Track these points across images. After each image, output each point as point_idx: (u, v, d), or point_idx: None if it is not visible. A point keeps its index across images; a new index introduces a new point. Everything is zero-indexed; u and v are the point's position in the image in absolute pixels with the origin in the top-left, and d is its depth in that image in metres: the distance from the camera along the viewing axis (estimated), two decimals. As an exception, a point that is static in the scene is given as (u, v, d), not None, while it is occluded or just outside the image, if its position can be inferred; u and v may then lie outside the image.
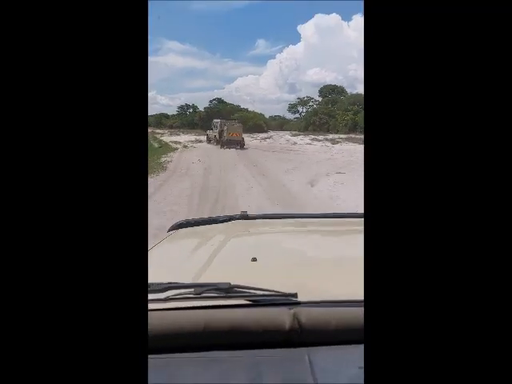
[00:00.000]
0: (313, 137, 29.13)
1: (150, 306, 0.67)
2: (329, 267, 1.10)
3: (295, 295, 0.75)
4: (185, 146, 22.87)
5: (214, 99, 53.37)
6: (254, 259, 1.05)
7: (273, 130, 45.71)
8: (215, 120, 24.20)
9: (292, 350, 0.63)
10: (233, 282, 0.77)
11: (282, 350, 0.64)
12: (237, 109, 48.74)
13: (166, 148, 21.61)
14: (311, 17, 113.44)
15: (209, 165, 13.56)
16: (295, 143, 24.70)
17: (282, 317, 0.66)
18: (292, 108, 54.66)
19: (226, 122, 21.87)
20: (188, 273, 0.99)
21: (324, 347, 0.64)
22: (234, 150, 20.67)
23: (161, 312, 0.70)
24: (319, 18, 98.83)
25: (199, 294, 0.76)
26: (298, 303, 0.73)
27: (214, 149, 20.83)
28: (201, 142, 26.24)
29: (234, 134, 20.22)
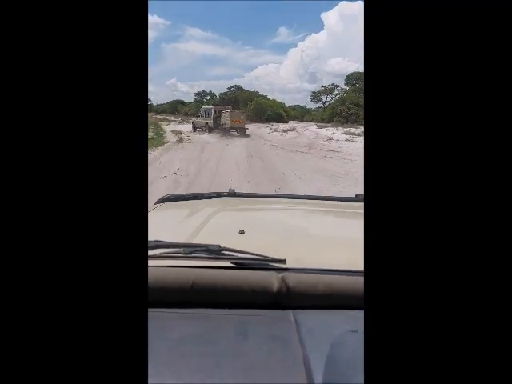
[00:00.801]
0: (345, 129, 21.95)
1: None
2: (317, 239, 1.11)
3: (284, 261, 0.74)
4: (180, 139, 17.10)
5: (232, 86, 47.32)
6: (242, 231, 1.03)
7: (293, 120, 39.43)
8: (205, 107, 22.47)
9: (279, 311, 0.63)
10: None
11: (269, 311, 0.64)
12: (255, 95, 42.31)
13: (157, 141, 15.68)
14: (336, 4, 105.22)
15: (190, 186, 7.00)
16: (330, 138, 17.77)
17: (270, 279, 0.66)
18: (315, 97, 48.01)
19: (220, 109, 20.25)
20: (175, 240, 0.90)
21: (310, 311, 0.64)
22: (239, 143, 15.23)
23: (149, 268, 0.63)
24: (344, 5, 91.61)
25: (188, 253, 0.74)
26: (287, 269, 0.72)
27: (212, 143, 15.55)
28: (203, 133, 20.66)
29: (238, 121, 18.67)
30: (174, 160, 10.19)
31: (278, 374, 0.51)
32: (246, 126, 19.16)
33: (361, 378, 0.46)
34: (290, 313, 0.63)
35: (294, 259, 0.78)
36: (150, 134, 19.44)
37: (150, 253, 0.72)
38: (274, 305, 0.65)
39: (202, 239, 0.95)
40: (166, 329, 0.59)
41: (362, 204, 0.53)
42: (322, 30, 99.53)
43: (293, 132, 22.57)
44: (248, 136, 18.41)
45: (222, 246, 0.76)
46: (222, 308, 0.64)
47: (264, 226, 1.31)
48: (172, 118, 42.20)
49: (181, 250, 0.76)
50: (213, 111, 20.08)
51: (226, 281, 0.66)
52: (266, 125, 30.39)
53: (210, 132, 19.19)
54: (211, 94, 59.13)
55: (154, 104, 63.34)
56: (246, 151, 12.81)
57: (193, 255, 0.75)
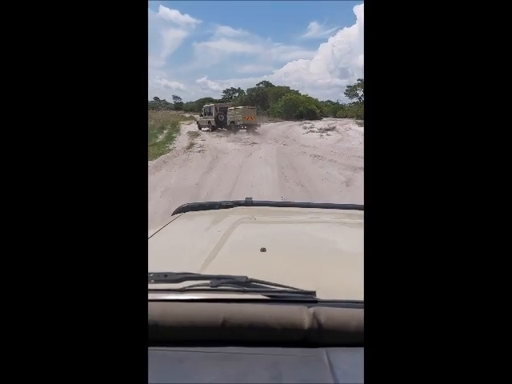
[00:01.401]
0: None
1: (167, 296, 0.69)
2: (345, 260, 1.01)
3: (313, 293, 0.71)
4: (190, 146, 12.99)
5: (261, 82, 42.74)
6: (263, 249, 0.97)
7: (326, 116, 34.56)
8: (207, 105, 21.80)
9: (311, 349, 0.61)
10: (243, 273, 0.74)
11: (301, 349, 0.61)
12: (285, 91, 37.59)
13: (159, 147, 11.64)
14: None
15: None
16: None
17: (300, 315, 0.64)
18: (351, 91, 42.68)
19: (222, 106, 20.27)
20: (196, 259, 0.92)
21: (343, 348, 0.61)
22: (266, 151, 10.81)
23: (178, 304, 0.67)
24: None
25: (215, 286, 0.72)
26: (316, 301, 0.69)
27: (229, 152, 11.17)
28: (221, 137, 16.45)
29: (250, 118, 18.13)
30: (153, 190, 5.79)
31: None
32: (259, 123, 18.87)
33: None
34: (322, 351, 0.60)
35: (323, 286, 0.74)
36: (161, 137, 15.60)
37: (179, 285, 0.72)
38: (306, 342, 0.62)
39: (223, 260, 0.93)
40: (197, 371, 0.57)
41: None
42: (355, 23, 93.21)
43: (333, 132, 17.87)
44: (276, 140, 14.42)
45: (248, 277, 0.73)
46: (252, 345, 0.61)
47: (285, 242, 1.20)
48: (197, 116, 40.87)
49: (208, 282, 0.72)
50: (213, 109, 19.80)
51: (256, 317, 0.63)
52: (299, 122, 26.12)
53: (212, 130, 19.01)
54: (240, 90, 58.04)
55: (184, 102, 61.26)
56: (277, 167, 8.28)
57: (220, 288, 0.72)
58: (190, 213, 1.51)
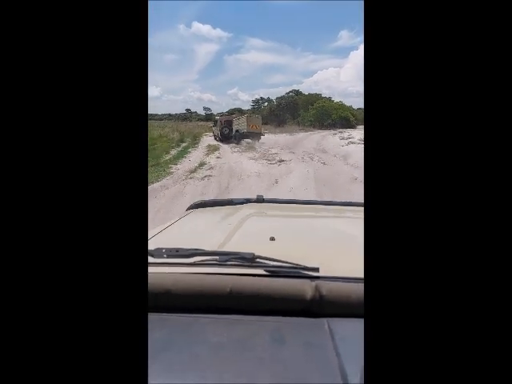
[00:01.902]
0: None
1: (179, 269, 0.72)
2: (348, 247, 1.04)
3: (317, 269, 0.72)
4: (199, 166, 10.06)
5: (291, 91, 39.49)
6: (273, 238, 0.99)
7: (359, 124, 30.88)
8: (218, 117, 20.97)
9: (313, 319, 0.63)
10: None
11: (304, 318, 0.63)
12: (316, 98, 34.21)
13: (157, 171, 8.67)
14: None
15: None
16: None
17: (303, 287, 0.66)
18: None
19: (227, 119, 18.88)
20: (208, 247, 0.89)
21: (344, 319, 0.63)
22: (300, 177, 7.61)
23: (189, 275, 0.70)
24: None
25: (224, 261, 0.74)
26: (319, 277, 0.71)
27: (244, 175, 8.59)
28: (242, 153, 13.37)
29: (254, 126, 16.82)
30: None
31: (315, 380, 0.50)
32: (264, 132, 18.01)
33: None
34: (324, 321, 0.62)
35: (327, 265, 0.75)
36: (173, 152, 12.80)
37: (189, 260, 0.74)
38: (308, 312, 0.64)
39: (234, 246, 0.96)
40: (205, 334, 0.59)
41: None
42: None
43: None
44: (312, 157, 11.30)
45: (255, 254, 0.74)
46: (258, 314, 0.63)
47: (293, 232, 1.24)
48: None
49: (217, 257, 0.75)
50: (218, 122, 18.97)
51: (261, 289, 0.65)
52: (333, 131, 22.69)
53: (220, 142, 17.69)
54: (269, 100, 55.55)
55: (215, 113, 59.51)
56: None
57: (228, 263, 0.74)
58: (203, 209, 1.54)
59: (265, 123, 43.16)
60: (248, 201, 1.60)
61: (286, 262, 0.73)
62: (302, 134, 21.77)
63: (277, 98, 38.40)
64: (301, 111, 33.17)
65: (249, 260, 0.73)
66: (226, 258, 0.74)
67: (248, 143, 15.61)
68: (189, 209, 1.58)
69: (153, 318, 0.56)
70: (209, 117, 56.49)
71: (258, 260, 0.73)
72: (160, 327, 0.59)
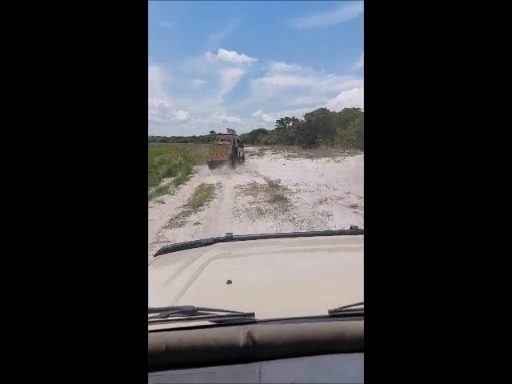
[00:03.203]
0: None
1: None
2: (292, 286, 1.02)
3: (252, 314, 0.74)
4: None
5: (317, 110, 32.69)
6: (229, 282, 0.98)
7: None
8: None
9: (246, 365, 0.63)
10: (206, 305, 0.76)
11: (238, 365, 0.63)
12: (355, 113, 27.21)
13: None
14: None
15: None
16: None
17: (237, 335, 0.66)
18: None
19: (216, 145, 14.98)
20: (167, 298, 0.93)
21: (276, 361, 0.63)
22: None
23: None
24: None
25: (165, 317, 0.74)
26: (255, 322, 0.72)
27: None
28: (255, 195, 5.81)
29: (220, 154, 14.38)
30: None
31: None
32: (231, 160, 14.57)
33: None
34: (256, 365, 0.62)
35: (265, 310, 0.76)
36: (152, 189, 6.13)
37: None
38: (243, 359, 0.63)
39: (191, 295, 0.95)
40: None
41: (355, 236, 0.63)
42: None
43: None
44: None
45: (195, 306, 0.75)
46: (192, 367, 0.62)
47: (252, 273, 1.21)
48: (250, 147, 34.09)
49: (158, 314, 0.74)
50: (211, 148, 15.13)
51: (197, 340, 0.65)
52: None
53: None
54: (294, 119, 49.47)
55: (238, 134, 54.23)
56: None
57: (169, 319, 0.74)
58: (170, 254, 1.47)
59: (290, 144, 36.84)
60: (216, 240, 1.49)
61: (224, 311, 0.74)
62: (348, 159, 14.75)
63: (306, 115, 31.75)
64: (337, 129, 26.51)
65: (189, 313, 0.73)
66: (166, 313, 0.73)
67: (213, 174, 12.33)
68: (157, 254, 1.46)
69: None
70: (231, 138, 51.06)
71: (198, 312, 0.74)
72: None
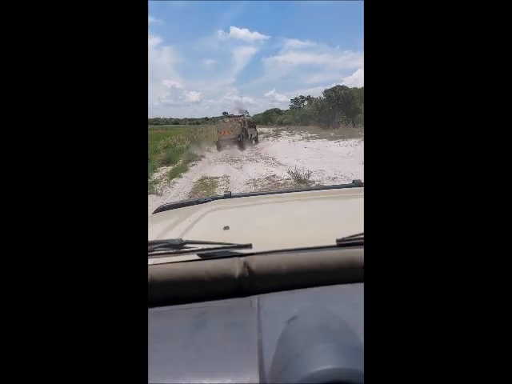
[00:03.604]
0: None
1: None
2: (293, 222, 1.00)
3: (250, 246, 0.67)
4: None
5: (337, 86, 29.48)
6: (227, 227, 0.94)
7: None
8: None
9: (241, 298, 0.58)
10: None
11: (234, 299, 0.58)
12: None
13: None
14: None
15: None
16: None
17: (232, 266, 0.61)
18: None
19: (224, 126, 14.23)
20: None
21: (274, 293, 0.58)
22: None
23: None
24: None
25: (150, 251, 0.67)
26: (252, 254, 0.66)
27: None
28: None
29: (227, 132, 13.51)
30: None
31: (230, 360, 0.47)
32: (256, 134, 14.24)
33: (311, 348, 0.42)
34: (254, 298, 0.57)
35: (264, 243, 0.70)
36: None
37: None
38: (238, 292, 0.59)
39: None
40: None
41: (357, 188, 0.57)
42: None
43: None
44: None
45: (184, 239, 0.69)
46: (185, 302, 0.57)
47: (251, 220, 1.16)
48: (264, 128, 32.41)
49: None
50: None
51: (186, 274, 0.59)
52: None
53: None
54: (309, 98, 46.77)
55: (252, 115, 52.12)
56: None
57: (154, 253, 0.67)
58: (168, 211, 1.42)
59: (305, 124, 34.07)
60: (214, 198, 1.47)
61: (217, 243, 0.68)
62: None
63: (325, 91, 28.70)
64: (360, 106, 23.67)
65: (176, 246, 0.67)
66: (150, 247, 0.67)
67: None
68: (155, 212, 1.43)
69: None
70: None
71: (186, 245, 0.68)
72: None
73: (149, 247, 0.66)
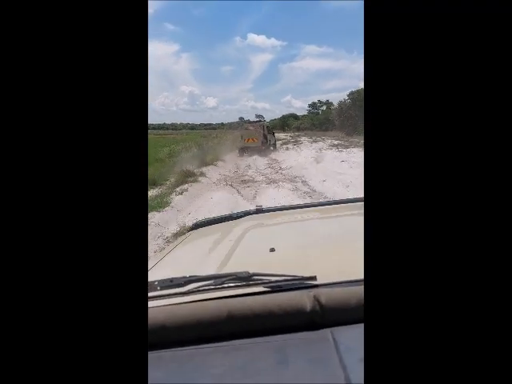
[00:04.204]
0: None
1: (173, 300, 0.67)
2: (345, 247, 0.97)
3: (314, 278, 0.68)
4: None
5: (354, 92, 26.54)
6: (273, 249, 0.93)
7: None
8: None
9: (316, 332, 0.58)
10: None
11: (307, 332, 0.58)
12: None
13: None
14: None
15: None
16: None
17: (302, 299, 0.61)
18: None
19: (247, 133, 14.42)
20: (209, 268, 0.89)
21: (347, 326, 0.58)
22: None
23: (183, 305, 0.65)
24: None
25: (219, 284, 0.69)
26: (317, 286, 0.67)
27: None
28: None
29: (251, 140, 13.74)
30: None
31: None
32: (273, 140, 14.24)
33: None
34: (327, 331, 0.57)
35: (325, 273, 0.71)
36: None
37: (184, 289, 0.69)
38: (310, 325, 0.59)
39: (234, 264, 0.90)
40: (206, 365, 0.54)
41: None
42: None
43: None
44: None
45: (250, 272, 0.70)
46: (260, 335, 0.58)
47: (294, 240, 1.12)
48: (281, 134, 30.19)
49: (212, 281, 0.70)
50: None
51: (259, 307, 0.60)
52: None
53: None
54: (328, 103, 44.03)
55: (268, 120, 49.70)
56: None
57: (224, 286, 0.69)
58: (204, 228, 1.44)
59: (325, 130, 31.19)
60: (247, 213, 1.47)
61: (282, 276, 0.69)
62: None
63: (350, 93, 25.81)
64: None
65: (245, 279, 0.68)
66: (220, 280, 0.68)
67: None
68: (189, 230, 1.48)
69: (149, 356, 0.50)
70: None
71: (254, 277, 0.69)
72: (156, 366, 0.52)
73: (218, 280, 0.67)
